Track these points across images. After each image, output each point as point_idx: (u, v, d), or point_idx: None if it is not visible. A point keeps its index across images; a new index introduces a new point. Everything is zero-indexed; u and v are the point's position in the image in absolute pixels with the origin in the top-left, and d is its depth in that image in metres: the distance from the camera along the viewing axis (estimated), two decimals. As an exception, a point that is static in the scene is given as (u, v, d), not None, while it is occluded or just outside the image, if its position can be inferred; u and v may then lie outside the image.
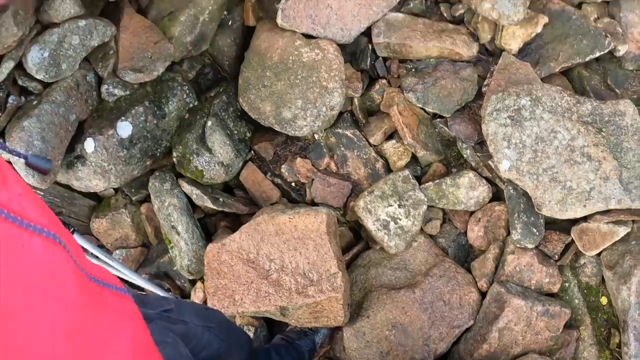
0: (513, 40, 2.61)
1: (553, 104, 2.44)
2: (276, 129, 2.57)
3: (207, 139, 2.64)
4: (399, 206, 2.53)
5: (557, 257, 2.59)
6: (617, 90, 2.78)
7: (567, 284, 2.62)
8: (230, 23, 2.80)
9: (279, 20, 2.53)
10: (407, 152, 2.61)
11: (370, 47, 2.63)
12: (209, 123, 2.63)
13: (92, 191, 2.79)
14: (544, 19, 2.61)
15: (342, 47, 2.58)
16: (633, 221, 2.54)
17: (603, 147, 2.45)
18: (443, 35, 2.57)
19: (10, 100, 2.46)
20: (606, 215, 2.49)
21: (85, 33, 2.41)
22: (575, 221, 2.54)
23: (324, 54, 2.48)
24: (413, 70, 2.62)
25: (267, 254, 2.46)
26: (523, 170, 2.43)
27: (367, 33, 2.61)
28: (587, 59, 2.67)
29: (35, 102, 2.44)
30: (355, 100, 2.63)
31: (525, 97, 2.43)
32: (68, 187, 2.78)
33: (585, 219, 2.52)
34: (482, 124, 2.46)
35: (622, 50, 2.73)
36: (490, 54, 2.70)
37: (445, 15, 2.67)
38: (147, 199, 2.88)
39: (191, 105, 2.75)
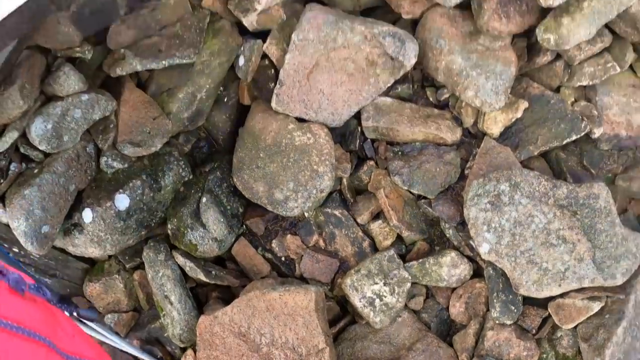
0: (494, 124, 2.83)
1: (531, 189, 2.66)
2: (268, 209, 2.76)
3: (201, 214, 2.82)
4: (385, 284, 2.73)
5: (534, 330, 2.81)
6: (592, 171, 3.00)
7: (544, 355, 2.83)
8: (225, 100, 3.00)
9: (273, 104, 2.72)
10: (392, 232, 2.82)
11: (359, 129, 2.83)
12: (204, 199, 2.81)
13: (86, 256, 2.96)
14: (524, 104, 2.83)
15: (333, 128, 2.78)
16: (607, 296, 2.76)
17: (577, 230, 2.67)
18: (428, 121, 2.78)
19: (11, 167, 2.61)
20: (581, 293, 2.71)
21: (87, 107, 2.58)
22: (551, 297, 2.75)
23: (316, 138, 2.68)
24: (399, 153, 2.83)
25: (258, 328, 2.65)
26: (502, 253, 2.65)
27: (357, 116, 2.81)
28: (565, 142, 2.89)
29: (36, 171, 2.59)
30: (344, 180, 2.84)
31: (505, 183, 2.64)
32: (63, 250, 2.94)
33: (561, 295, 2.73)
34: (464, 208, 2.67)
35: (597, 132, 2.95)
36: (473, 136, 2.91)
37: (431, 99, 2.88)
38: (140, 266, 3.05)
39: (186, 178, 2.93)
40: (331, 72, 2.65)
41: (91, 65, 2.70)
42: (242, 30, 2.83)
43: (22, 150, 2.57)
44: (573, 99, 2.99)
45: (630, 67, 3.05)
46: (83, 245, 2.79)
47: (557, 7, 2.61)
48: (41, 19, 2.03)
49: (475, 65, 2.68)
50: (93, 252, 2.82)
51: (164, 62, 2.67)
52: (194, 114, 2.85)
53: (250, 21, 2.64)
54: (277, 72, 2.79)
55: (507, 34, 2.72)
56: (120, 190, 2.75)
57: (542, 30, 2.66)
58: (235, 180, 2.79)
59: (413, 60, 2.66)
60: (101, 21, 2.40)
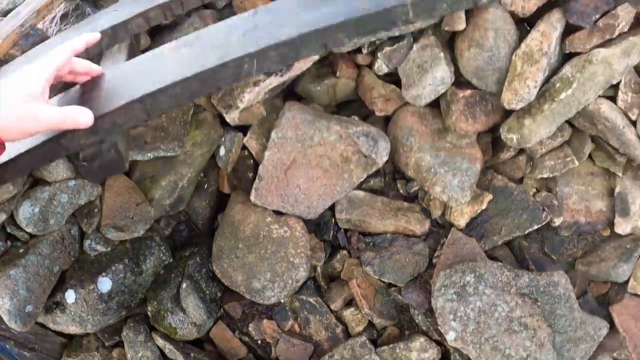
0: (461, 216, 3.08)
1: (494, 280, 2.90)
2: (246, 297, 2.97)
3: (181, 299, 3.01)
4: (357, 369, 2.95)
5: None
6: (553, 257, 3.26)
7: None
8: (206, 186, 3.21)
9: (252, 198, 2.94)
10: (364, 319, 3.04)
11: (333, 220, 3.05)
12: (184, 285, 3.01)
13: (66, 332, 3.13)
14: (488, 197, 3.09)
15: (308, 220, 3.01)
16: (568, 377, 3.00)
17: (538, 317, 2.91)
18: (399, 214, 3.02)
19: (-2, 245, 2.77)
20: (542, 376, 2.96)
21: (74, 192, 2.75)
22: (514, 379, 2.99)
23: (292, 231, 2.91)
24: (371, 244, 3.06)
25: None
26: (467, 340, 2.88)
27: (331, 207, 3.04)
28: (527, 232, 3.15)
29: (21, 250, 2.75)
30: (318, 268, 3.06)
31: (470, 275, 2.89)
32: (43, 325, 3.10)
33: (524, 377, 2.97)
34: (432, 297, 2.91)
35: (558, 221, 3.22)
36: (440, 226, 3.16)
37: (401, 191, 3.12)
38: (119, 343, 3.22)
39: (166, 262, 3.12)
40: (308, 168, 2.88)
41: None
42: (223, 121, 3.04)
43: (8, 230, 2.71)
44: (535, 190, 3.25)
45: (589, 156, 3.33)
46: (64, 324, 2.95)
47: (520, 109, 2.88)
48: (51, 160, 2.22)
49: (443, 162, 2.93)
50: (74, 330, 2.99)
51: (149, 154, 2.85)
52: (175, 201, 3.05)
53: (232, 118, 2.85)
54: (255, 163, 3.01)
55: (474, 132, 2.98)
56: (103, 274, 2.93)
57: (506, 130, 2.92)
58: (215, 268, 2.99)
59: (385, 158, 2.89)
60: (108, 173, 2.61)
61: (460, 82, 2.90)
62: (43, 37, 2.51)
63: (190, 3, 1.81)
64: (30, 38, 2.47)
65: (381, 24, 1.38)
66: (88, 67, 1.41)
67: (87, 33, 1.24)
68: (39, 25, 2.47)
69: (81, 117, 1.17)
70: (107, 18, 1.87)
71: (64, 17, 2.65)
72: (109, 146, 1.43)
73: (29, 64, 1.19)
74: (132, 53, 1.82)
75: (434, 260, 3.06)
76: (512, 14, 2.78)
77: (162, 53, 1.44)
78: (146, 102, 1.31)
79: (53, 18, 2.55)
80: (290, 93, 3.10)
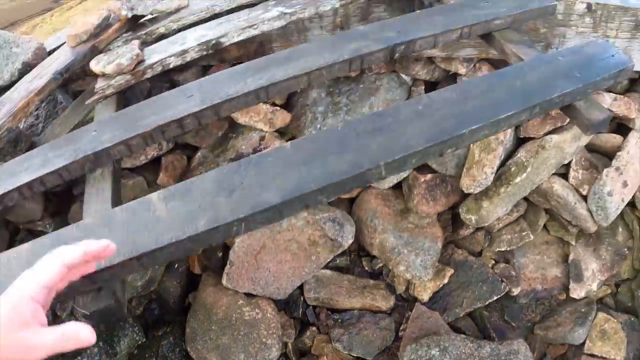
0: (424, 291, 3.29)
1: (458, 352, 3.10)
2: (221, 379, 3.11)
3: (156, 381, 3.14)
4: None
5: None
6: (513, 324, 3.49)
7: None
8: (176, 266, 3.34)
9: (224, 282, 3.09)
10: (335, 394, 3.22)
11: (302, 298, 3.23)
12: (158, 368, 3.14)
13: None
14: (450, 271, 3.30)
15: (278, 300, 3.17)
16: None
17: (500, 386, 3.13)
18: (365, 292, 3.21)
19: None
20: None
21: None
22: None
23: (264, 313, 3.06)
24: (339, 321, 3.23)
25: None
26: (432, 414, 3.07)
27: (300, 286, 3.22)
28: (487, 302, 3.37)
29: None
30: (289, 344, 3.21)
31: (435, 348, 3.08)
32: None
33: None
34: (398, 373, 3.10)
35: (516, 291, 3.45)
36: (405, 300, 3.35)
37: (366, 268, 3.31)
38: (93, 423, 3.31)
39: (140, 342, 3.24)
40: (277, 252, 3.05)
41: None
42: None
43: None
44: (494, 261, 3.48)
45: (544, 226, 3.58)
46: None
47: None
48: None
49: (406, 243, 3.13)
50: (49, 412, 3.07)
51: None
52: (147, 282, 3.18)
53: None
54: (225, 244, 3.17)
55: (435, 213, 3.20)
56: (79, 358, 3.03)
57: (465, 210, 3.15)
58: (189, 349, 3.12)
59: (350, 241, 3.09)
60: (110, 323, 2.75)
61: (421, 166, 3.11)
62: (18, 134, 2.64)
63: (170, 132, 1.96)
64: (5, 137, 2.60)
65: (357, 184, 1.56)
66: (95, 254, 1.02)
67: (88, 241, 1.03)
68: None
69: (83, 334, 0.96)
70: (88, 139, 1.99)
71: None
72: (107, 293, 1.55)
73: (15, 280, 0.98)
74: (116, 181, 1.96)
75: (400, 333, 3.25)
76: (468, 105, 3.01)
77: (152, 203, 1.59)
78: (143, 260, 1.45)
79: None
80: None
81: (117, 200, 1.84)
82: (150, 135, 1.95)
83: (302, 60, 1.97)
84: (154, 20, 2.67)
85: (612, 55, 2.04)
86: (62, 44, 2.79)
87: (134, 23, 2.70)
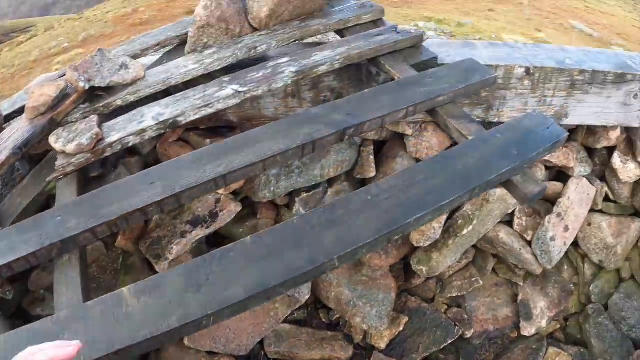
0: (381, 339, 3.49)
1: (415, 399, 3.33)
2: None
3: None
4: None
5: None
6: (468, 365, 3.74)
7: None
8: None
9: (186, 342, 3.22)
10: None
11: (263, 352, 3.40)
12: None
13: None
14: (405, 319, 3.52)
15: (239, 356, 3.35)
16: None
17: None
18: (324, 343, 3.40)
19: None
20: None
21: None
22: None
23: (225, 371, 3.23)
24: (301, 373, 3.43)
25: None
26: None
27: (261, 341, 3.39)
28: (442, 346, 3.60)
29: None
30: (252, 399, 3.39)
31: (393, 397, 3.30)
32: None
33: None
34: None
35: (469, 333, 3.68)
36: (363, 349, 3.55)
37: (324, 320, 3.51)
38: None
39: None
40: (236, 310, 3.22)
41: (11, 303, 3.08)
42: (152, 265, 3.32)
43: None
44: (446, 306, 3.71)
45: (493, 269, 3.85)
46: None
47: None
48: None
49: (361, 296, 3.34)
50: None
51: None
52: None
53: (162, 268, 3.15)
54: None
55: (387, 266, 3.42)
56: None
57: (416, 262, 3.38)
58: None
59: (307, 296, 3.27)
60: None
61: (373, 221, 3.33)
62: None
63: (134, 220, 2.12)
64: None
65: (313, 276, 1.76)
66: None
67: (60, 346, 1.01)
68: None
69: None
70: (53, 225, 2.13)
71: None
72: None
73: None
74: (84, 268, 2.11)
75: (363, 388, 3.45)
76: (418, 161, 3.25)
77: (124, 298, 1.75)
78: (120, 354, 1.62)
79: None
80: (214, 234, 3.43)
81: (87, 290, 1.97)
82: (116, 224, 2.08)
83: (258, 147, 2.14)
84: (110, 92, 2.76)
85: (547, 128, 2.29)
86: (18, 109, 2.91)
87: (91, 94, 2.79)
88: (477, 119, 3.00)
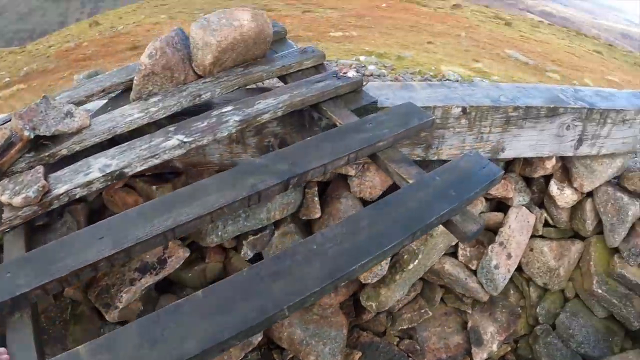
0: (335, 375, 3.62)
1: None
2: None
3: None
4: None
5: None
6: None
7: None
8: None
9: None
10: None
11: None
12: None
13: None
14: (358, 354, 3.63)
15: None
16: None
17: None
18: (278, 384, 3.51)
19: None
20: None
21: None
22: None
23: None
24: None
25: None
26: None
27: (214, 384, 3.47)
28: (395, 380, 3.74)
29: None
30: None
31: None
32: None
33: None
34: None
35: (420, 365, 3.85)
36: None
37: (278, 360, 3.62)
38: None
39: None
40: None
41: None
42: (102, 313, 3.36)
43: None
44: (398, 339, 3.86)
45: (442, 299, 4.01)
46: None
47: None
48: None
49: (313, 334, 3.45)
50: None
51: None
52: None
53: (112, 317, 3.20)
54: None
55: (337, 304, 3.55)
56: None
57: (365, 298, 3.51)
58: None
59: (259, 338, 3.35)
60: None
61: (321, 259, 3.46)
62: None
63: (85, 275, 2.18)
64: None
65: (265, 326, 1.87)
66: None
67: None
68: None
69: None
70: (3, 283, 2.16)
71: None
72: None
73: None
74: (36, 326, 2.16)
75: None
76: (362, 200, 3.40)
77: (79, 357, 1.82)
78: None
79: None
80: (163, 279, 3.49)
81: (41, 349, 2.03)
82: (67, 280, 2.14)
83: (204, 200, 2.24)
84: (56, 140, 2.79)
85: (483, 167, 2.45)
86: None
87: (36, 143, 2.80)
88: (417, 158, 3.15)
